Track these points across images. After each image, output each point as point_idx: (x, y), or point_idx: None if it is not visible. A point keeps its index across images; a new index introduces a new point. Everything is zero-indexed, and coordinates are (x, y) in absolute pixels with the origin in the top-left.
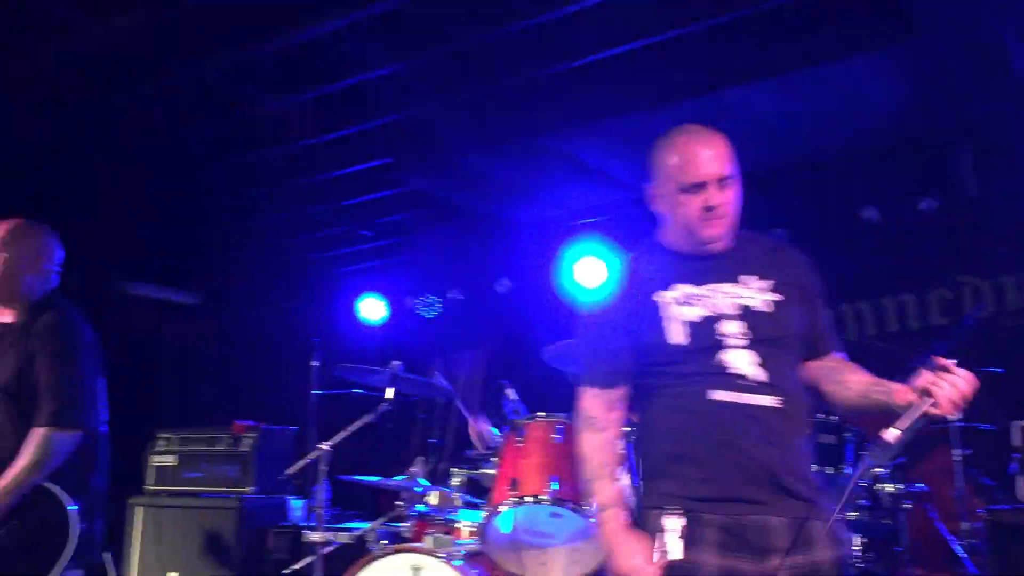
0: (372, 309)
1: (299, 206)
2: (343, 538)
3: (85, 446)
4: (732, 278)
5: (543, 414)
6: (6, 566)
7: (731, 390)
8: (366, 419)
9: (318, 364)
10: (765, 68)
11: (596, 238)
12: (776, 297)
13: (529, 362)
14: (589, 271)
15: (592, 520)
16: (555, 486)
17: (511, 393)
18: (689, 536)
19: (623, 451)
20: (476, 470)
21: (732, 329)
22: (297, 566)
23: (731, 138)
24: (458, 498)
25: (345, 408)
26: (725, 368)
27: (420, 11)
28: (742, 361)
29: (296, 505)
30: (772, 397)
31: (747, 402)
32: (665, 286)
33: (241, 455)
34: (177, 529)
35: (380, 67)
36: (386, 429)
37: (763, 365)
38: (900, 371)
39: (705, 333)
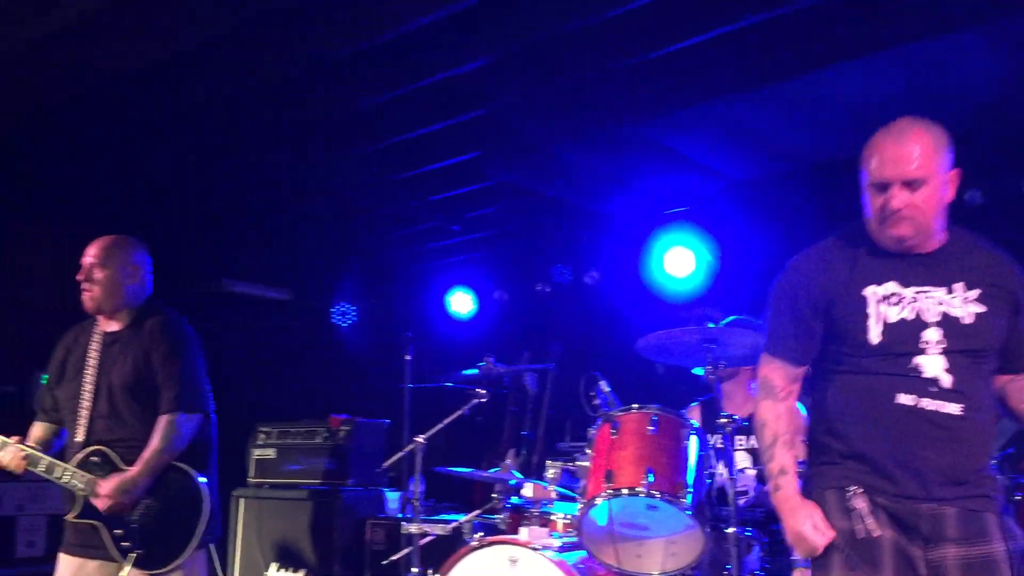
0: (461, 303)
1: (389, 202)
2: (439, 530)
3: (203, 428)
4: (939, 283)
5: (637, 406)
6: (149, 542)
7: (921, 396)
8: (459, 413)
9: (410, 358)
10: (859, 48)
11: (685, 228)
12: (981, 308)
13: (619, 354)
14: (678, 261)
15: (688, 513)
16: (651, 478)
17: (604, 385)
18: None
19: (801, 421)
20: (570, 462)
21: (932, 336)
22: (395, 557)
23: (822, 121)
24: (553, 490)
25: (437, 401)
26: (919, 373)
27: (505, 4)
28: (935, 368)
29: (392, 497)
30: (959, 405)
31: (935, 409)
32: (877, 281)
33: (338, 448)
34: (278, 520)
35: (466, 62)
36: (478, 422)
37: (955, 373)
38: None
39: (904, 337)
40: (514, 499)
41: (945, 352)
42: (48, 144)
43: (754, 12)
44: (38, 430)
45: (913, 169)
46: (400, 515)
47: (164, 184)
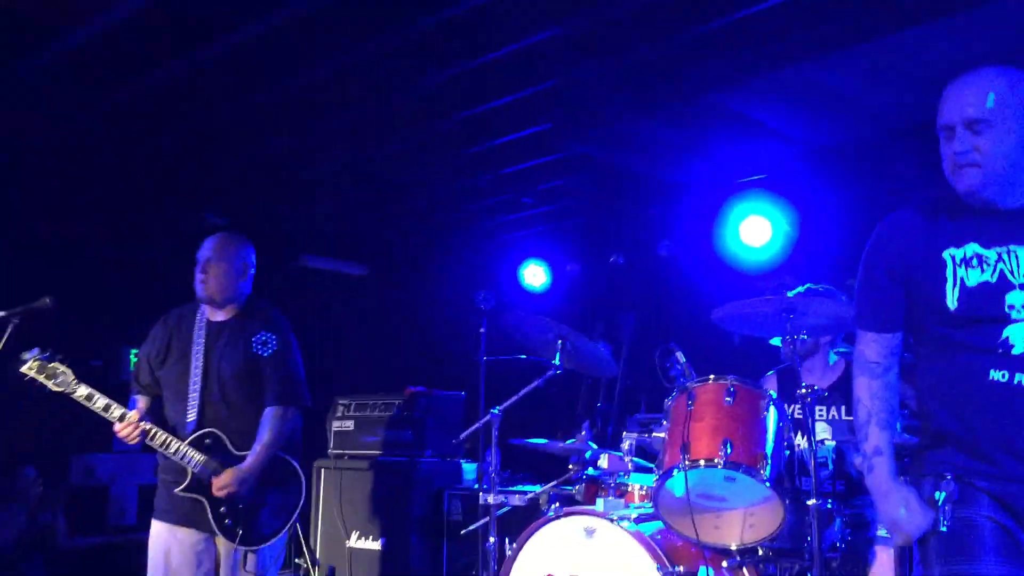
0: (535, 275)
1: (462, 175)
2: (516, 501)
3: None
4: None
5: (713, 377)
6: (251, 522)
7: (1014, 371)
8: (534, 384)
9: (484, 331)
10: (945, 7)
11: (761, 196)
12: None
13: (694, 323)
14: (754, 230)
15: (767, 484)
16: (728, 449)
17: (679, 356)
18: (962, 497)
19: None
20: (646, 434)
21: (1017, 300)
22: (472, 527)
23: (905, 84)
24: (629, 462)
25: (512, 373)
26: (1008, 346)
27: None
28: None
29: (468, 469)
30: None
31: None
32: (956, 243)
33: (414, 420)
34: (357, 491)
35: (537, 33)
36: (553, 395)
37: None
38: None
39: (986, 302)
40: (590, 471)
41: None
42: (132, 127)
43: None
44: (144, 403)
45: (973, 109)
46: (476, 486)
47: (243, 161)
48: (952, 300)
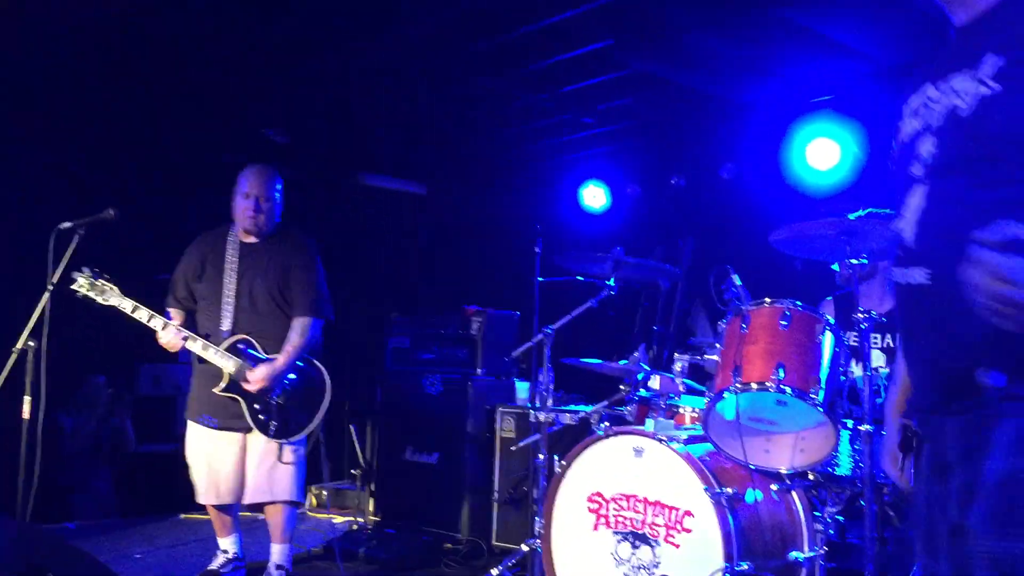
0: (594, 197)
1: (521, 94)
2: (567, 419)
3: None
4: (966, 63)
5: (769, 300)
6: (283, 417)
7: (897, 263)
8: (587, 305)
9: (540, 251)
10: None
11: (830, 117)
12: (989, 89)
13: (755, 248)
14: (822, 153)
15: (820, 409)
16: (781, 373)
17: (735, 279)
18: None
19: None
20: (699, 355)
21: (925, 149)
22: (523, 443)
23: None
24: (680, 383)
25: (569, 294)
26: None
27: None
28: (910, 208)
29: (522, 387)
30: (925, 270)
31: (907, 282)
32: (915, 88)
33: (469, 338)
34: (412, 406)
35: None
36: (609, 316)
37: (930, 213)
38: None
39: (903, 158)
40: (642, 391)
41: (928, 174)
42: (192, 43)
43: None
44: (178, 316)
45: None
46: (529, 405)
47: (303, 79)
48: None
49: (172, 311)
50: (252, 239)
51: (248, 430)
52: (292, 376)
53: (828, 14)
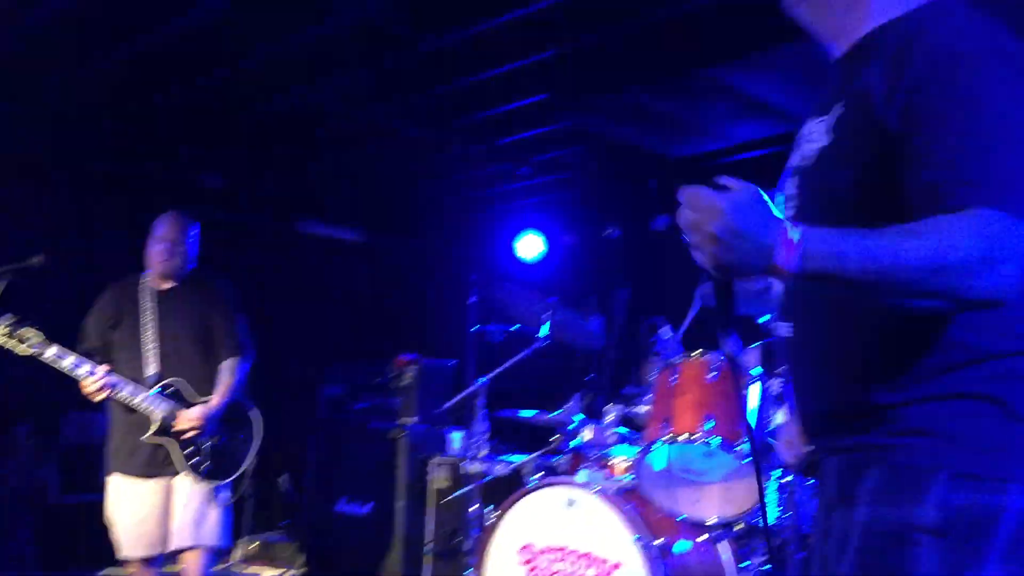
0: (529, 246)
1: (459, 145)
2: (500, 470)
3: None
4: (826, 107)
5: (698, 352)
6: (220, 457)
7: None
8: (522, 355)
9: (475, 300)
10: None
11: (758, 173)
12: (825, 139)
13: (686, 300)
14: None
15: (746, 460)
16: (710, 425)
17: (666, 331)
18: None
19: None
20: (631, 407)
21: (790, 190)
22: (456, 494)
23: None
24: (612, 434)
25: (503, 344)
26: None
27: None
28: None
29: (455, 437)
30: (787, 323)
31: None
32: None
33: (404, 388)
34: (346, 456)
35: (537, 1)
36: (545, 366)
37: None
38: None
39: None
40: (574, 442)
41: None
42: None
43: None
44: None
45: None
46: (463, 455)
47: (240, 124)
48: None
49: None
50: (167, 284)
51: (176, 474)
52: (222, 417)
53: (756, 75)
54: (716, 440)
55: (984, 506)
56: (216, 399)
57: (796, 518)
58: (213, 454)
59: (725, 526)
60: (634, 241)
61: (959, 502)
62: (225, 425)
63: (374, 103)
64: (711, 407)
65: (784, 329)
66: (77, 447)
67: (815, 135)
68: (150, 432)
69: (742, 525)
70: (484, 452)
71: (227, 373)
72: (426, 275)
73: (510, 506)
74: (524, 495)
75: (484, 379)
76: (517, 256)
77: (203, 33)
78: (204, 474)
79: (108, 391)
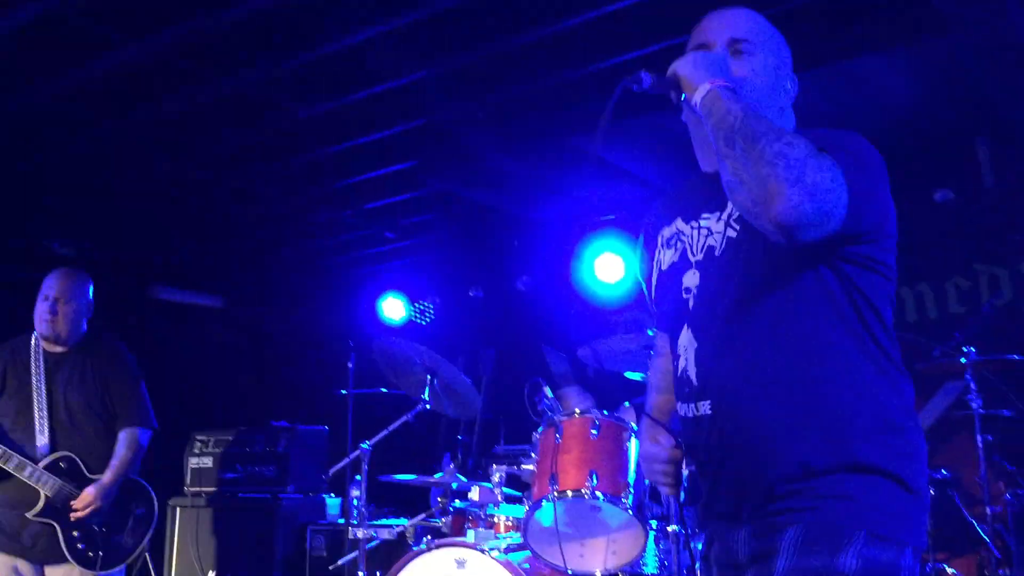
0: (393, 309)
1: (325, 209)
2: (385, 534)
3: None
4: (719, 204)
5: (579, 411)
6: (111, 543)
7: (693, 398)
8: (403, 419)
9: (352, 366)
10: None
11: (615, 234)
12: (734, 230)
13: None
14: (608, 267)
15: (630, 512)
16: (594, 480)
17: (547, 391)
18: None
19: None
20: (515, 466)
21: (690, 281)
22: (341, 561)
23: None
24: (499, 493)
25: (375, 408)
26: (677, 354)
27: (444, 20)
28: (684, 340)
29: (332, 504)
30: (708, 402)
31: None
32: (668, 220)
33: (277, 455)
34: (215, 529)
35: (406, 74)
36: (412, 428)
37: (702, 347)
38: (922, 359)
39: (669, 288)
40: (457, 502)
41: (695, 306)
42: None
43: (690, 31)
44: None
45: (737, 28)
46: (341, 521)
47: (91, 190)
48: (652, 290)
49: None
50: (58, 348)
51: (60, 561)
52: (120, 495)
53: (614, 144)
54: (601, 495)
55: (889, 563)
56: (110, 475)
57: (676, 567)
58: (104, 538)
59: None
60: (498, 302)
61: (872, 556)
62: (117, 504)
63: (241, 169)
64: (594, 463)
65: (697, 408)
66: None
67: (710, 230)
68: (35, 511)
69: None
70: (365, 517)
71: (124, 446)
72: (291, 339)
73: (399, 569)
74: (413, 557)
75: (367, 444)
76: (382, 319)
77: (61, 99)
78: (97, 565)
79: None
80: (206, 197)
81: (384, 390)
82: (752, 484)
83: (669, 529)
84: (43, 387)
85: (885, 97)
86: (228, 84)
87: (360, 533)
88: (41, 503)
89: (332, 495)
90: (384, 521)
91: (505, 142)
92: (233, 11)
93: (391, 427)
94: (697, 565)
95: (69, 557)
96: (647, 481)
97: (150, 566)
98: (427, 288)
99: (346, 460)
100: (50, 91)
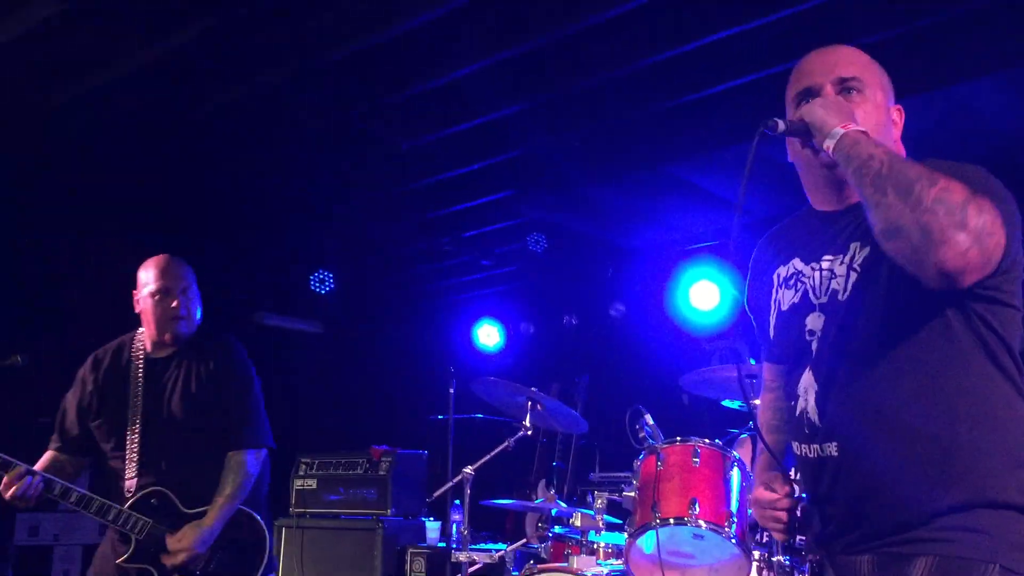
0: (489, 335)
1: (423, 237)
2: (484, 558)
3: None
4: (839, 248)
5: (680, 438)
6: None
7: (815, 439)
8: (504, 445)
9: (454, 391)
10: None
11: (710, 262)
12: (856, 275)
13: (646, 384)
14: (704, 295)
15: (733, 541)
16: (696, 508)
17: (648, 418)
18: None
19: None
20: (616, 492)
21: (814, 324)
22: None
23: None
24: (601, 519)
25: (473, 433)
26: (797, 395)
27: (541, 54)
28: (804, 384)
29: (432, 527)
30: (834, 444)
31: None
32: (784, 260)
33: (379, 479)
34: (319, 550)
35: (505, 106)
36: (508, 454)
37: (827, 388)
38: None
39: (790, 328)
40: (557, 528)
41: (820, 349)
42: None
43: (782, 62)
44: (45, 458)
45: (849, 67)
46: (441, 544)
47: (201, 215)
48: (771, 328)
49: (50, 454)
50: (164, 352)
51: None
52: (225, 534)
53: (709, 171)
54: (704, 523)
55: None
56: (212, 515)
57: None
58: None
59: None
60: (591, 329)
61: None
62: (224, 545)
63: (344, 198)
64: (696, 490)
65: (822, 450)
66: (28, 548)
67: (833, 272)
68: (124, 556)
69: None
70: (468, 541)
71: (235, 473)
72: (388, 365)
73: None
74: None
75: (469, 469)
76: (477, 345)
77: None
78: None
79: (35, 492)
80: (309, 225)
81: (480, 416)
82: (880, 521)
83: (774, 560)
84: (142, 402)
85: (994, 122)
86: (335, 117)
87: (463, 557)
88: (132, 547)
89: (432, 519)
90: (483, 546)
91: (600, 171)
92: (341, 50)
93: (494, 452)
94: None
95: None
96: (751, 511)
97: None
98: (522, 315)
99: (449, 484)
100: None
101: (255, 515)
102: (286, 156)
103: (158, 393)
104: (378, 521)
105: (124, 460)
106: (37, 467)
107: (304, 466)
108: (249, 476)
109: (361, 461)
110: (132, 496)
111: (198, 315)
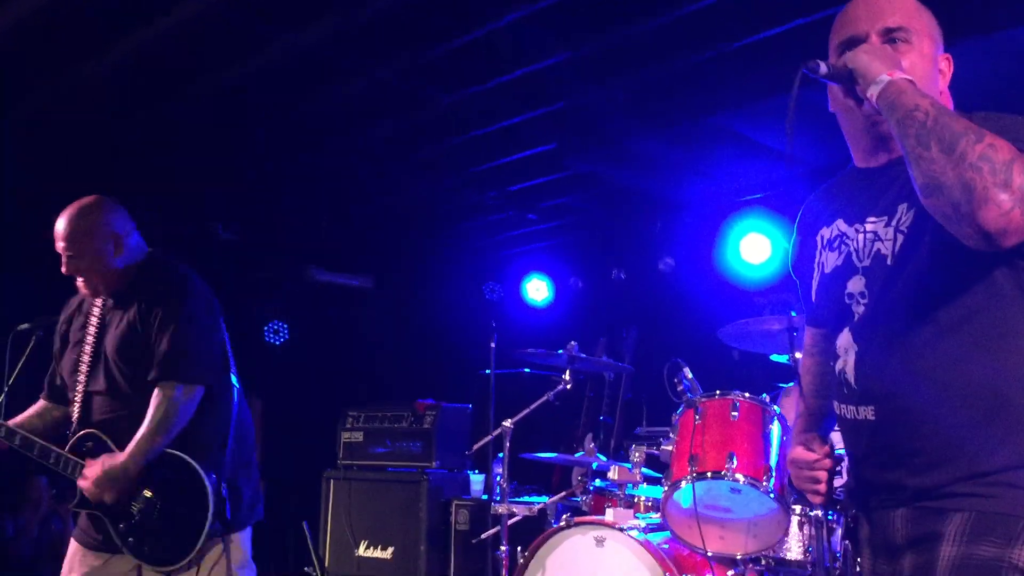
0: (537, 290)
1: (469, 192)
2: (526, 511)
3: (214, 406)
4: (884, 209)
5: (719, 392)
6: (155, 537)
7: (853, 401)
8: (543, 399)
9: (495, 346)
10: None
11: (761, 214)
12: (902, 236)
13: (694, 339)
14: (754, 248)
15: (771, 496)
16: (734, 462)
17: (687, 372)
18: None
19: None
20: (654, 446)
21: (855, 287)
22: (485, 536)
23: None
24: (638, 473)
25: (516, 387)
26: (838, 356)
27: (582, 3)
28: (844, 345)
29: (475, 479)
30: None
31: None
32: (827, 221)
33: (424, 432)
34: (366, 501)
35: (547, 57)
36: (555, 407)
37: (867, 353)
38: None
39: (832, 293)
40: (597, 482)
41: (863, 312)
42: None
43: (833, 4)
44: (34, 409)
45: (895, 15)
46: (484, 497)
47: (252, 174)
48: (813, 292)
49: (39, 403)
50: (102, 298)
51: (125, 554)
52: (157, 479)
53: (759, 121)
54: (742, 477)
55: None
56: (126, 452)
57: (820, 551)
58: (147, 530)
59: (751, 560)
60: (639, 283)
61: None
62: (161, 492)
63: (389, 156)
64: (734, 444)
65: (858, 412)
66: None
67: (878, 235)
68: (74, 502)
69: (767, 560)
70: (508, 493)
71: (152, 411)
72: (437, 320)
73: (539, 545)
74: (553, 534)
75: (508, 422)
76: (526, 299)
77: (224, 93)
78: (148, 558)
79: None
80: (356, 183)
81: (527, 371)
82: (919, 480)
83: (812, 514)
84: (92, 341)
85: None
86: (375, 74)
87: (502, 509)
88: (78, 493)
89: (476, 471)
90: (525, 498)
91: (646, 123)
92: (378, 3)
93: (532, 406)
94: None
95: (122, 547)
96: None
97: (307, 535)
98: (570, 269)
99: (488, 437)
100: (213, 88)
101: (191, 462)
102: (328, 115)
103: (100, 337)
104: (423, 473)
105: (74, 402)
106: (24, 415)
107: (351, 419)
108: (177, 412)
109: (406, 415)
110: (71, 439)
111: (107, 259)
